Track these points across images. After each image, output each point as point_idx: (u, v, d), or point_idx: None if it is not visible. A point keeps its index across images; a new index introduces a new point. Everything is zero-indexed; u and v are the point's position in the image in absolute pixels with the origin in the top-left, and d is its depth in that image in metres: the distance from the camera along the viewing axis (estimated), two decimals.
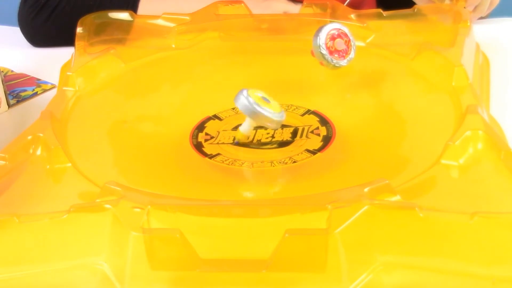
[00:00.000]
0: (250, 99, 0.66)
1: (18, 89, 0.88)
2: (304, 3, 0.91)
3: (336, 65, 0.75)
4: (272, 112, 0.66)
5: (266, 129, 0.69)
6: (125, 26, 0.90)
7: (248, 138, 0.68)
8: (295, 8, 0.90)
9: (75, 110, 0.77)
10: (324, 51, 0.75)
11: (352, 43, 0.75)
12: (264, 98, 0.67)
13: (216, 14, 0.93)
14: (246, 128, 0.68)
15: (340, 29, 0.75)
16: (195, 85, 0.83)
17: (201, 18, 0.94)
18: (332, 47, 0.74)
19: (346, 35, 0.75)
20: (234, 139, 0.68)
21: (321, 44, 0.74)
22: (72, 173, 0.64)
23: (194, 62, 0.88)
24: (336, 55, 0.74)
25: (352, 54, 0.75)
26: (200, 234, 0.53)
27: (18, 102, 0.85)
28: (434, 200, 0.57)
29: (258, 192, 0.64)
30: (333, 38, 0.74)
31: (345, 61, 0.75)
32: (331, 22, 0.75)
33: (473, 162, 0.60)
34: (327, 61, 0.75)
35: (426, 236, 0.50)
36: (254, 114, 0.66)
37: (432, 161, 0.61)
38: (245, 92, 0.66)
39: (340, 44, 0.74)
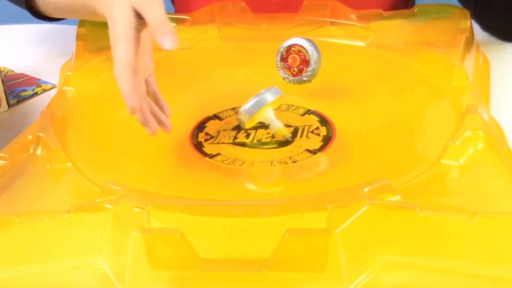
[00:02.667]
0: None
1: (18, 89, 0.88)
2: (304, 3, 0.91)
3: (307, 78, 0.74)
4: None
5: (266, 129, 0.70)
6: None
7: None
8: None
9: (75, 110, 0.77)
10: (282, 73, 0.75)
11: (303, 47, 0.73)
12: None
13: (216, 14, 0.93)
14: (277, 122, 0.69)
15: (285, 47, 0.74)
16: (195, 85, 0.83)
17: (201, 18, 0.94)
18: (293, 69, 0.74)
19: (292, 46, 0.74)
20: (284, 137, 0.69)
21: (283, 77, 0.75)
22: (72, 173, 0.64)
23: (194, 62, 0.88)
24: (304, 68, 0.74)
25: (311, 55, 0.73)
26: (200, 234, 0.53)
27: (18, 102, 0.85)
28: (434, 200, 0.57)
29: (258, 192, 0.64)
30: (286, 62, 0.74)
31: (309, 70, 0.73)
32: (289, 39, 0.75)
33: (473, 162, 0.60)
34: (303, 83, 0.75)
35: (426, 236, 0.50)
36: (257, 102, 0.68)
37: (432, 161, 0.61)
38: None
39: (294, 60, 0.74)
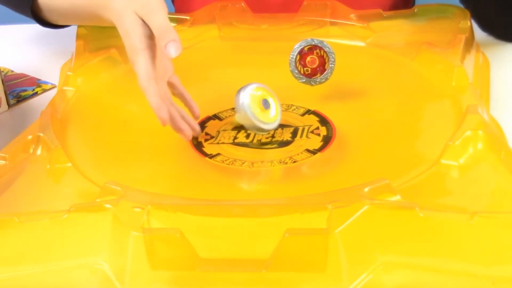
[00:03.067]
0: (247, 106, 0.67)
1: (18, 89, 0.88)
2: (304, 3, 0.91)
3: (314, 83, 0.75)
4: (262, 122, 0.68)
5: None
6: None
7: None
8: None
9: (75, 110, 0.77)
10: (297, 75, 0.75)
11: (328, 53, 0.73)
12: (264, 102, 0.68)
13: (216, 14, 0.93)
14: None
15: (309, 45, 0.74)
16: (195, 85, 0.83)
17: (201, 18, 0.94)
18: (307, 68, 0.74)
19: (316, 47, 0.74)
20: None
21: (292, 70, 0.75)
22: (72, 173, 0.64)
23: (194, 62, 0.88)
24: (318, 73, 0.74)
25: (330, 64, 0.73)
26: (200, 234, 0.53)
27: (18, 102, 0.85)
28: (434, 200, 0.57)
29: (258, 192, 0.64)
30: (303, 59, 0.74)
31: (321, 77, 0.74)
32: (301, 41, 0.75)
33: (473, 162, 0.60)
34: (307, 84, 0.75)
35: (426, 236, 0.50)
36: (246, 119, 0.68)
37: (432, 161, 0.61)
38: (247, 92, 0.68)
39: (312, 61, 0.73)
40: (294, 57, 0.74)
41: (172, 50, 0.63)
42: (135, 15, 0.66)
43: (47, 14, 0.88)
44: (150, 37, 0.66)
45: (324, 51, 0.73)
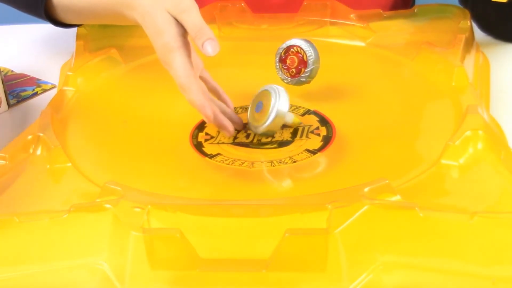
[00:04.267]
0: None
1: (18, 89, 0.88)
2: (304, 3, 0.91)
3: (304, 79, 0.74)
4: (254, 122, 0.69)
5: None
6: (125, 26, 0.90)
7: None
8: None
9: (75, 110, 0.77)
10: (281, 75, 0.75)
11: (301, 47, 0.73)
12: (259, 105, 0.69)
13: (216, 14, 0.93)
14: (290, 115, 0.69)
15: (294, 45, 0.74)
16: None
17: None
18: (291, 70, 0.74)
19: (290, 47, 0.74)
20: (300, 124, 0.70)
21: (282, 78, 0.75)
22: (72, 173, 0.64)
23: None
24: (302, 69, 0.74)
25: (309, 56, 0.73)
26: (200, 234, 0.53)
27: (18, 102, 0.85)
28: (434, 200, 0.57)
29: (258, 192, 0.64)
30: (284, 63, 0.74)
31: (307, 70, 0.73)
32: (287, 40, 0.75)
33: (473, 162, 0.60)
34: (300, 84, 0.75)
35: (426, 236, 0.50)
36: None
37: (432, 161, 0.61)
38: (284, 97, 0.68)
39: (292, 61, 0.73)
40: (278, 66, 0.75)
41: (209, 48, 0.62)
42: (167, 14, 0.65)
43: (61, 14, 0.87)
44: (183, 35, 0.65)
45: (298, 47, 0.73)
